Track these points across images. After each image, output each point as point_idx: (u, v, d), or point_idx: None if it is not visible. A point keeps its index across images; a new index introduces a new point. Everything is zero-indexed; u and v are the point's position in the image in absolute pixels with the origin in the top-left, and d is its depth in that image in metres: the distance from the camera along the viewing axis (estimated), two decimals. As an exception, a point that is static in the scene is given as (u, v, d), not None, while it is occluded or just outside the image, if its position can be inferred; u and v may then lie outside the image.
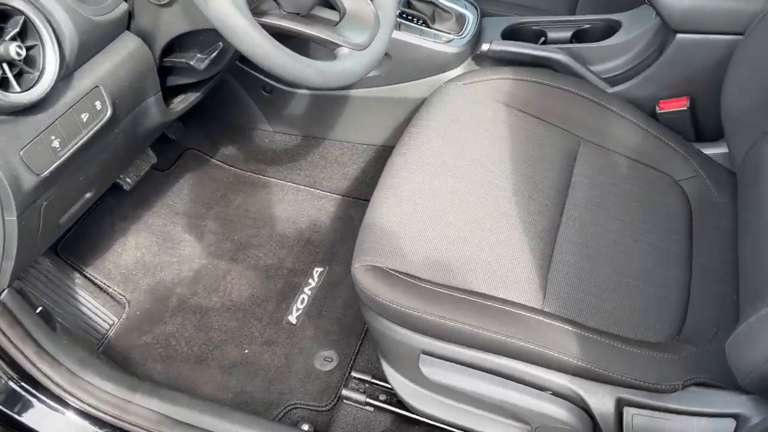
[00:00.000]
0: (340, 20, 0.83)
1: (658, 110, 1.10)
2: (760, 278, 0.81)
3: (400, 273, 0.86)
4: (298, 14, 0.80)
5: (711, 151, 1.09)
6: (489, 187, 0.97)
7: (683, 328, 0.87)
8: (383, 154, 1.36)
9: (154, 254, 1.33)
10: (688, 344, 0.84)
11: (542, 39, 1.23)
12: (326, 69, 0.76)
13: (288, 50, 0.71)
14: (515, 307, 0.84)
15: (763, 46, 0.92)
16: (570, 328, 0.82)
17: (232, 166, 1.50)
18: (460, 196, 0.95)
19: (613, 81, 1.14)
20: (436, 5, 1.19)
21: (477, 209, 0.94)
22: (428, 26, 1.20)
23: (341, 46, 0.81)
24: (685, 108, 1.08)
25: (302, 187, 1.46)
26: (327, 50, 0.83)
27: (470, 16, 1.22)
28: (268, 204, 1.44)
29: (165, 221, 1.39)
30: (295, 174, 1.46)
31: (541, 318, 0.83)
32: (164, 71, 0.91)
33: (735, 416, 0.74)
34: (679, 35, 1.03)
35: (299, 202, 1.44)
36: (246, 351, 1.19)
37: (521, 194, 0.97)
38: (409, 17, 1.20)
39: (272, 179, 1.48)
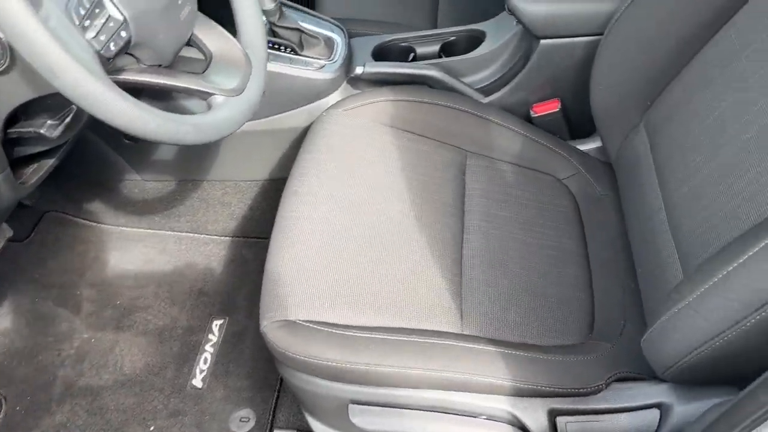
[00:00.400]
0: (208, 66, 0.77)
1: (532, 114, 1.14)
2: (657, 270, 0.85)
3: (315, 323, 0.81)
4: (160, 66, 0.73)
5: (586, 147, 1.14)
6: (389, 214, 0.95)
7: (594, 325, 0.90)
8: (269, 188, 1.30)
9: (26, 337, 1.18)
10: (602, 341, 0.87)
11: (412, 55, 1.23)
12: (202, 123, 0.70)
13: (156, 110, 0.64)
14: (436, 337, 0.82)
15: (623, 45, 0.96)
16: (492, 348, 0.82)
17: (101, 223, 1.37)
18: (361, 229, 0.92)
19: (486, 91, 1.16)
20: (302, 31, 1.15)
21: (381, 241, 0.91)
22: (297, 54, 1.15)
23: (213, 94, 0.74)
24: (557, 110, 1.12)
25: (185, 234, 1.36)
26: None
27: (338, 39, 1.19)
28: (148, 259, 1.33)
29: (32, 298, 1.24)
30: (174, 222, 1.36)
31: (462, 343, 0.82)
32: (10, 142, 0.79)
33: (658, 405, 0.77)
34: (542, 41, 1.06)
35: (184, 252, 1.34)
36: (152, 428, 1.08)
37: (421, 217, 0.96)
38: (276, 46, 1.15)
39: (149, 231, 1.36)
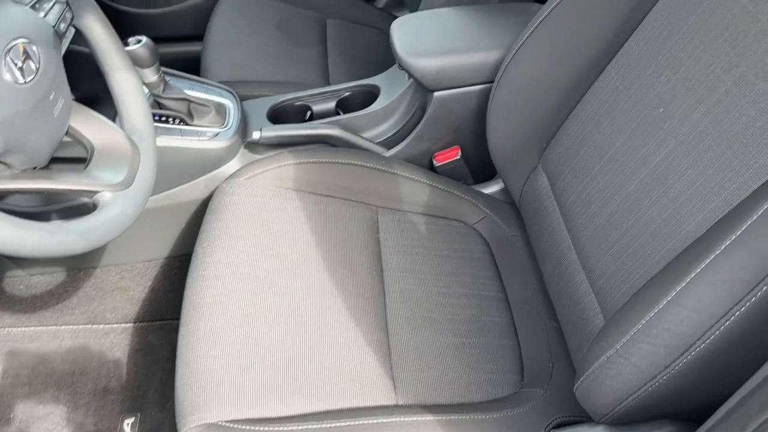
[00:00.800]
0: (90, 160, 0.70)
1: (435, 163, 1.14)
2: (577, 309, 0.86)
3: (241, 422, 0.75)
4: (35, 168, 0.65)
5: (491, 189, 1.16)
6: (305, 287, 0.91)
7: (524, 371, 0.90)
8: (170, 266, 1.22)
9: None
10: (534, 387, 0.87)
11: (309, 113, 1.21)
12: (90, 228, 0.63)
13: (34, 224, 0.57)
14: (372, 415, 0.78)
15: (513, 92, 0.99)
16: (429, 417, 0.79)
17: (-18, 326, 1.22)
18: (278, 308, 0.87)
19: (388, 144, 1.16)
20: (189, 101, 1.09)
21: (301, 318, 0.87)
22: (188, 124, 1.09)
23: (100, 191, 0.68)
24: (458, 157, 1.13)
25: (82, 326, 1.24)
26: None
27: (230, 104, 1.14)
28: (42, 360, 1.20)
29: None
30: (68, 315, 1.24)
31: (398, 417, 0.79)
32: None
33: (598, 449, 0.77)
34: (436, 93, 1.07)
35: (82, 346, 1.22)
36: None
37: (340, 284, 0.93)
38: (164, 119, 1.08)
39: (41, 328, 1.23)
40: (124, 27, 1.74)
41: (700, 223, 0.69)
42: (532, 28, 0.93)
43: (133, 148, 0.73)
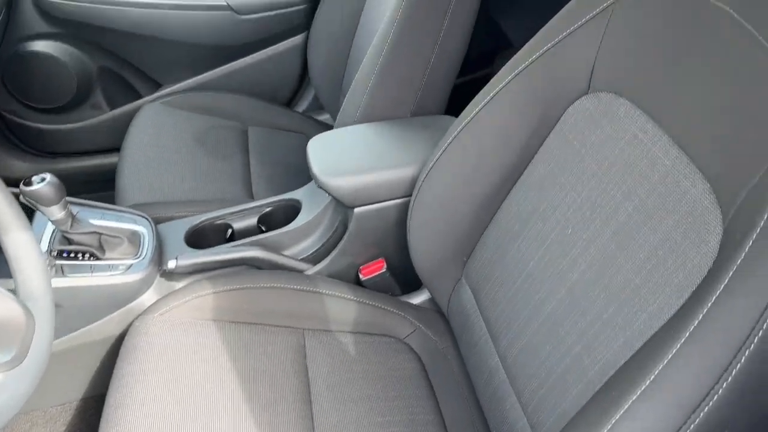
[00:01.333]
0: (-24, 339, 0.65)
1: (361, 277, 1.13)
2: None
3: None
4: None
5: (420, 299, 1.14)
6: (232, 428, 0.86)
7: (464, 503, 0.86)
8: (85, 408, 1.13)
9: None
10: None
11: (230, 231, 1.18)
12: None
13: None
14: None
15: (429, 207, 0.99)
16: None
17: None
18: (197, 463, 0.81)
19: (312, 260, 1.13)
20: (100, 233, 1.04)
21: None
22: (98, 258, 1.04)
23: (-14, 374, 0.62)
24: (384, 270, 1.12)
25: (-11, 481, 1.13)
26: None
27: (144, 230, 1.10)
28: None
29: None
30: (-27, 470, 1.12)
31: None
32: None
33: None
34: (356, 209, 1.06)
35: (-10, 504, 1.11)
36: None
37: (266, 423, 0.88)
38: (72, 255, 1.03)
39: (-59, 488, 1.12)
40: (40, 144, 1.69)
41: (617, 353, 0.68)
42: (443, 147, 0.95)
43: (27, 317, 0.68)
